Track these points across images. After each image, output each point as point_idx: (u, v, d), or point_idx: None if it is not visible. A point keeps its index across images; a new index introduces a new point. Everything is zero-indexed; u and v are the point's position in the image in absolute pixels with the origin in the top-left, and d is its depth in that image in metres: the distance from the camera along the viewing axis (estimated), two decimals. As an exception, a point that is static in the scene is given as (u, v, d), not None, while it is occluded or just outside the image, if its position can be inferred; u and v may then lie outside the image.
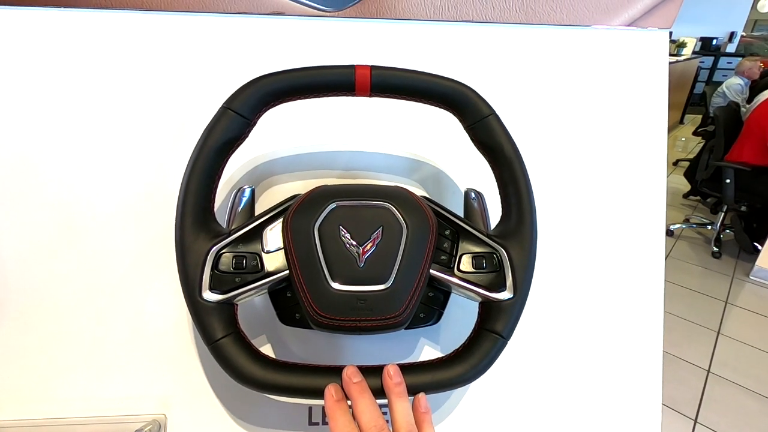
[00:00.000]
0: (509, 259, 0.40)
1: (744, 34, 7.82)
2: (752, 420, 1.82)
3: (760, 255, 2.75)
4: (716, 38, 7.55)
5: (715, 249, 3.05)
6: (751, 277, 2.79)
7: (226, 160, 0.39)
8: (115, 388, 0.46)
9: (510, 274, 0.40)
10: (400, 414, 0.36)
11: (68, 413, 0.45)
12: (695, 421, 1.82)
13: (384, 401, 0.49)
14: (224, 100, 0.38)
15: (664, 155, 0.55)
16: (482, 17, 0.53)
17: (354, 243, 0.38)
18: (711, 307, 2.54)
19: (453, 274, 0.40)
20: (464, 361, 0.39)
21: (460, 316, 0.47)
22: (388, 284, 0.38)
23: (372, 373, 0.38)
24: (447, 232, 0.42)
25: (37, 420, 0.44)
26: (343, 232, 0.38)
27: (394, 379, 0.37)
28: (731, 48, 7.68)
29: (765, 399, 1.92)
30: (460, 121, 0.41)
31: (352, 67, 0.39)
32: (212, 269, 0.37)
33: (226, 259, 0.38)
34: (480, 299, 0.40)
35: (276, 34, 0.50)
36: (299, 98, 0.40)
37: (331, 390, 0.36)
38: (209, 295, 0.36)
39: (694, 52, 6.91)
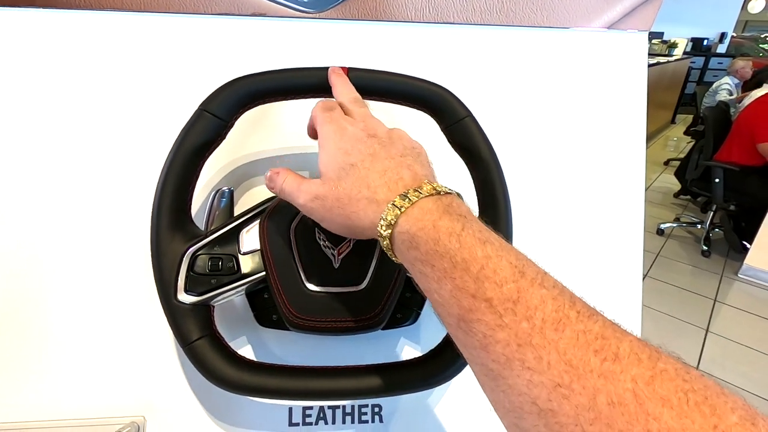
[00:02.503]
0: (485, 260, 0.40)
1: (734, 34, 7.91)
2: (739, 417, 1.84)
3: (749, 253, 2.78)
4: (707, 39, 7.63)
5: (705, 248, 3.09)
6: (740, 276, 2.83)
7: (203, 162, 0.39)
8: (93, 390, 0.46)
9: (485, 274, 0.40)
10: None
11: (44, 416, 0.45)
12: (683, 418, 1.84)
13: (367, 400, 0.49)
14: (201, 102, 0.38)
15: (643, 155, 0.56)
16: (463, 19, 0.54)
17: (330, 244, 0.38)
18: (700, 305, 2.56)
19: (429, 275, 0.40)
20: (440, 360, 0.39)
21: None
22: (364, 285, 0.38)
23: (349, 373, 0.38)
24: (424, 233, 0.42)
25: (13, 423, 0.44)
26: (319, 233, 0.38)
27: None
28: (722, 48, 7.77)
29: (752, 395, 1.94)
30: (437, 122, 0.42)
31: (328, 69, 0.39)
32: (188, 271, 0.37)
33: (202, 260, 0.38)
34: (456, 299, 0.40)
35: (257, 36, 0.50)
36: (276, 100, 0.40)
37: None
38: (184, 297, 0.37)
39: (685, 53, 6.98)
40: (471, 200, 0.43)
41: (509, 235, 0.41)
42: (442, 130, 0.42)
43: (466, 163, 0.42)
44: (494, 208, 0.41)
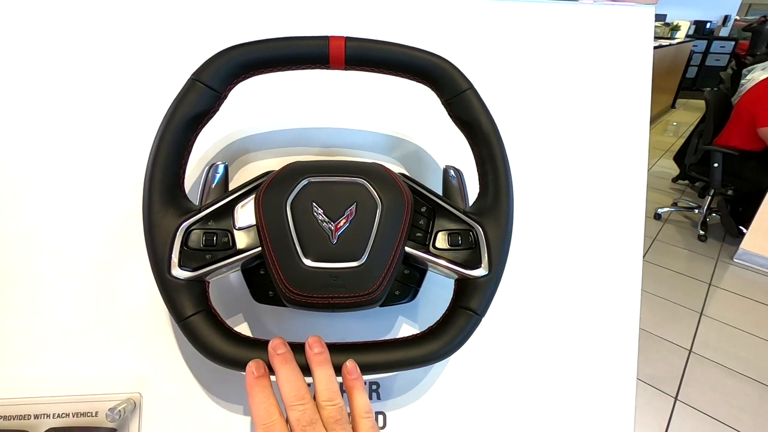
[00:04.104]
0: (485, 236, 0.39)
1: (738, 17, 7.79)
2: (731, 398, 1.88)
3: (745, 238, 2.79)
4: (710, 21, 7.52)
5: (701, 232, 3.09)
6: (735, 260, 2.84)
7: (196, 135, 0.38)
8: (89, 366, 0.45)
9: (485, 251, 0.39)
10: (321, 381, 0.36)
11: (40, 392, 0.44)
12: (675, 398, 1.87)
13: (364, 377, 0.49)
14: (193, 72, 0.37)
15: (646, 133, 0.55)
16: (465, -10, 0.52)
17: (327, 219, 0.37)
18: (695, 288, 2.58)
19: (428, 251, 0.40)
20: (438, 338, 0.39)
21: (437, 294, 0.47)
22: (362, 261, 0.37)
23: (347, 350, 0.38)
24: (423, 209, 0.41)
25: (11, 399, 0.44)
26: (316, 208, 0.37)
27: (314, 349, 0.37)
28: (725, 32, 7.66)
29: (744, 377, 1.97)
30: (438, 95, 0.40)
31: (326, 38, 0.38)
32: (182, 246, 0.36)
33: (196, 235, 0.37)
34: (455, 276, 0.40)
35: (252, 3, 0.48)
36: (271, 71, 0.39)
37: (252, 366, 0.35)
38: (178, 272, 0.36)
39: (687, 36, 6.88)
40: (472, 177, 0.42)
41: (510, 214, 0.40)
42: (442, 103, 0.41)
43: (467, 138, 0.41)
44: (496, 184, 0.40)
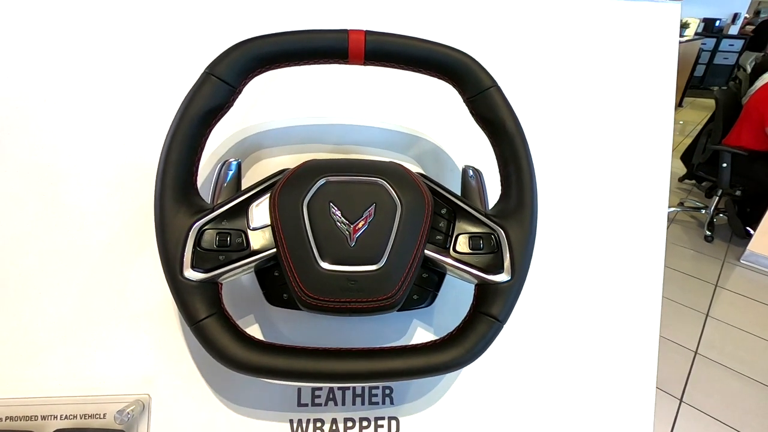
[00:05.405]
0: (507, 240, 0.38)
1: (747, 16, 7.71)
2: (736, 400, 1.86)
3: (752, 239, 2.77)
4: (719, 19, 7.43)
5: (708, 233, 3.07)
6: (742, 261, 2.82)
7: (210, 130, 0.37)
8: (98, 367, 0.44)
9: (508, 255, 0.38)
10: None
11: (50, 392, 0.44)
12: (681, 400, 1.86)
13: (378, 382, 0.48)
14: (207, 65, 0.35)
15: (670, 132, 0.53)
16: (485, -17, 0.50)
17: (345, 221, 0.36)
18: (701, 289, 2.56)
19: (448, 255, 0.38)
20: (458, 344, 0.37)
21: (456, 298, 0.45)
22: (381, 264, 0.36)
23: (363, 356, 0.37)
24: (443, 211, 0.40)
25: (18, 399, 0.43)
26: (334, 209, 0.36)
27: None
28: (734, 30, 7.57)
29: (749, 380, 1.96)
30: (460, 93, 0.39)
31: (345, 31, 0.36)
32: (194, 246, 0.35)
33: (209, 235, 0.36)
34: (476, 281, 0.39)
35: (265, -3, 0.47)
36: (287, 65, 0.37)
37: None
38: (191, 274, 0.35)
39: (696, 33, 6.81)
40: (492, 178, 0.41)
41: (534, 218, 0.39)
42: (464, 101, 0.39)
43: (489, 138, 0.40)
44: (519, 186, 0.38)
